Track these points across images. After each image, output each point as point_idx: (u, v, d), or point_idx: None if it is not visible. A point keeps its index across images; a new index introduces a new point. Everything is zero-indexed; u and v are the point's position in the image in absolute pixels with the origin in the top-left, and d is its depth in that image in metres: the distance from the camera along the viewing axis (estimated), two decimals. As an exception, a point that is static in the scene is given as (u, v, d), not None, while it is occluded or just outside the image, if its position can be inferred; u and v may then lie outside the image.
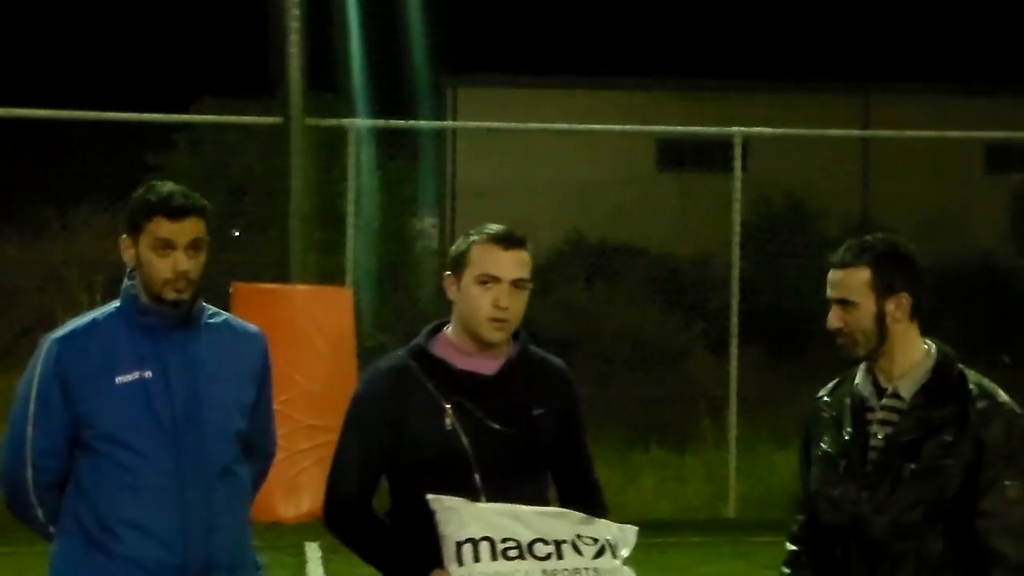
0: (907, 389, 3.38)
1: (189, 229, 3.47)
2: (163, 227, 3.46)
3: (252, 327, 3.72)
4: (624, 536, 3.33)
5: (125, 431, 3.44)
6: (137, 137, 13.55)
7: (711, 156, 18.49)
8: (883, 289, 3.36)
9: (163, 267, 3.46)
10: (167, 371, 3.48)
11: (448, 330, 3.48)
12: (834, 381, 3.57)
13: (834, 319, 3.39)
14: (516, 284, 3.40)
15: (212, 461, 3.49)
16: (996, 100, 25.00)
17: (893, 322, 3.37)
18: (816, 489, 3.47)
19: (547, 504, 3.41)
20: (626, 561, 3.34)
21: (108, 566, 3.43)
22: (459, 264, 3.43)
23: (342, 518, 3.45)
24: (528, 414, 3.41)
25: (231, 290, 10.02)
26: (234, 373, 3.58)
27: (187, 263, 3.47)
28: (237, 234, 15.39)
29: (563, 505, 3.48)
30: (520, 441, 3.38)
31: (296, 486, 9.73)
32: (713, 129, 12.08)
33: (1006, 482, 3.29)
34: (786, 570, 3.55)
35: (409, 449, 3.39)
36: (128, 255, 3.53)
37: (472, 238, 3.44)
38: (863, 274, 3.37)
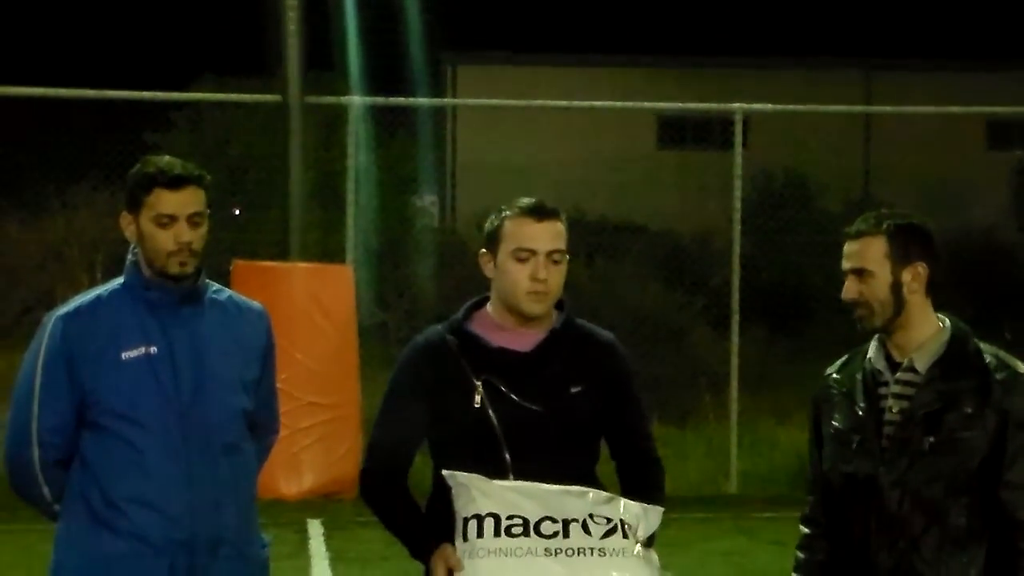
0: (923, 362, 3.35)
1: (190, 200, 3.46)
2: (164, 199, 3.44)
3: (256, 304, 3.71)
4: (646, 517, 3.30)
5: (131, 407, 3.43)
6: (136, 115, 13.53)
7: (712, 133, 18.48)
8: (900, 258, 3.35)
9: (166, 239, 3.45)
10: (173, 347, 3.47)
11: (489, 306, 3.46)
12: (843, 358, 3.53)
13: (850, 290, 3.37)
14: (552, 256, 3.37)
15: (218, 437, 3.49)
16: (997, 76, 24.94)
17: (910, 292, 3.35)
18: (830, 467, 3.43)
19: (589, 482, 3.35)
20: (649, 541, 3.31)
21: (114, 543, 3.42)
22: (494, 240, 3.40)
23: (378, 489, 3.44)
24: (565, 391, 3.36)
25: (231, 268, 10.03)
26: (239, 350, 3.58)
27: (190, 234, 3.45)
28: (237, 212, 15.38)
29: (620, 482, 3.45)
30: (553, 419, 3.33)
31: (298, 463, 9.75)
32: (714, 106, 12.05)
33: None
34: (800, 554, 3.52)
35: (441, 425, 3.39)
36: (130, 231, 3.52)
37: (505, 213, 3.40)
38: (879, 243, 3.36)
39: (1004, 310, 15.19)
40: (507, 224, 3.38)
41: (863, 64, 27.49)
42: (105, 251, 13.06)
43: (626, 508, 3.28)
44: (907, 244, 3.36)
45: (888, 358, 3.40)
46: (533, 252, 3.35)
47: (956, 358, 3.35)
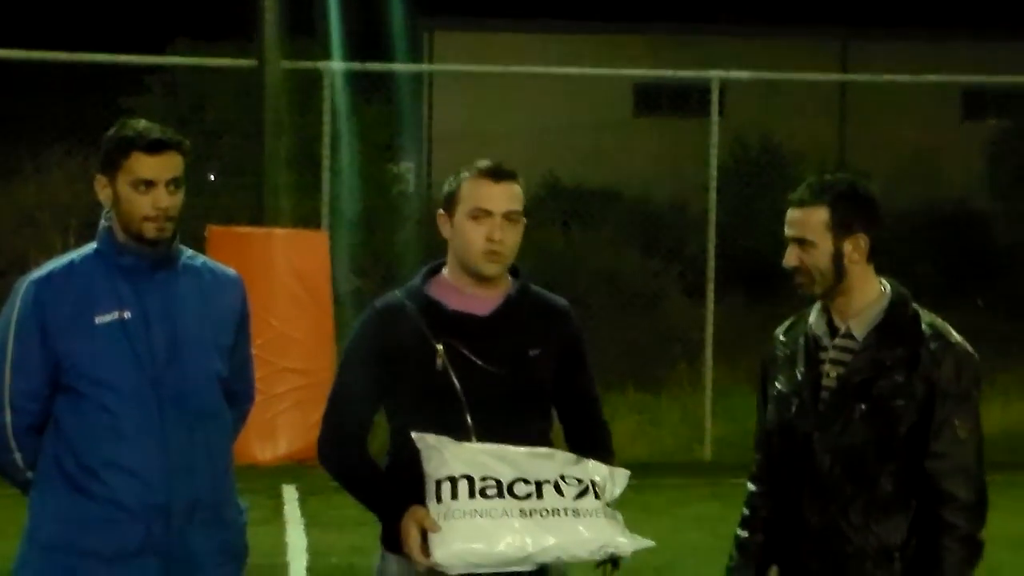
0: (860, 329, 3.39)
1: (168, 165, 3.44)
2: (142, 163, 3.42)
3: (231, 271, 3.70)
4: (613, 478, 3.33)
5: (106, 371, 3.42)
6: (111, 79, 13.42)
7: (688, 100, 18.44)
8: (841, 229, 3.37)
9: (143, 204, 3.43)
10: (147, 311, 3.46)
11: (445, 270, 3.49)
12: (790, 320, 3.58)
13: (791, 258, 3.42)
14: (508, 217, 3.40)
15: (194, 401, 3.48)
16: (973, 45, 24.98)
17: (850, 263, 3.38)
18: (771, 428, 3.50)
19: (546, 445, 3.39)
20: (614, 503, 3.35)
21: (90, 508, 3.42)
22: (451, 201, 3.44)
23: (336, 455, 3.46)
24: (523, 354, 3.40)
25: (206, 233, 10.00)
26: (214, 315, 3.57)
27: (168, 200, 3.44)
28: (212, 178, 15.31)
29: (569, 445, 3.48)
30: (513, 382, 3.37)
31: (272, 429, 9.77)
32: (690, 73, 12.03)
33: (956, 422, 3.30)
34: (746, 511, 3.58)
35: (402, 389, 3.40)
36: (104, 195, 3.49)
37: (463, 175, 3.45)
38: (821, 213, 3.38)
39: (977, 278, 15.30)
40: (464, 185, 3.42)
41: (839, 33, 27.48)
42: (79, 216, 12.97)
43: (595, 469, 3.32)
44: (849, 215, 3.38)
45: (829, 323, 3.44)
46: (489, 212, 3.38)
47: (893, 326, 3.38)
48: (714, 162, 10.93)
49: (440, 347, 3.36)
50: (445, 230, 3.46)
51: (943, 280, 14.28)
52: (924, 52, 23.44)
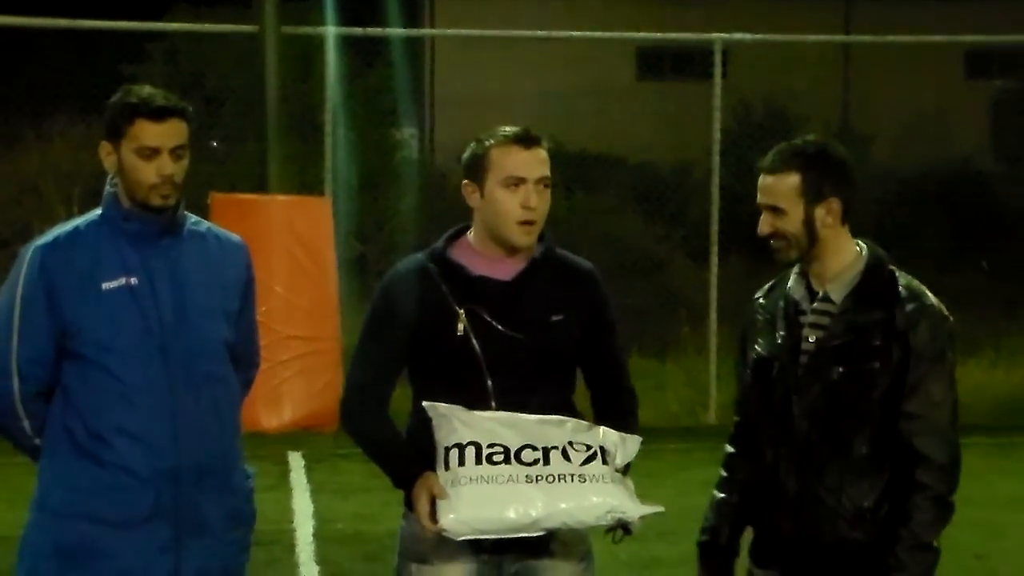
0: (837, 292, 3.40)
1: (173, 132, 3.43)
2: (146, 130, 3.41)
3: (236, 237, 3.69)
4: (624, 445, 3.34)
5: (113, 337, 3.42)
6: (111, 47, 13.39)
7: (691, 64, 18.37)
8: (812, 195, 3.36)
9: (148, 172, 3.41)
10: (153, 277, 3.46)
11: (470, 235, 3.46)
12: (769, 283, 3.59)
13: (764, 225, 3.42)
14: (540, 183, 3.38)
15: (201, 367, 3.48)
16: (977, 5, 24.84)
17: (823, 227, 3.38)
18: (749, 392, 3.51)
19: (568, 410, 3.39)
20: (626, 469, 3.35)
21: (99, 474, 3.42)
22: (479, 169, 3.39)
23: (357, 418, 3.45)
24: (545, 320, 3.38)
25: (209, 200, 9.99)
26: (220, 281, 3.57)
27: (172, 167, 3.42)
28: (215, 144, 15.29)
29: (594, 410, 3.48)
30: (535, 347, 3.36)
31: (278, 396, 9.79)
32: (693, 36, 11.99)
33: (931, 384, 3.31)
34: (724, 472, 3.60)
35: (423, 353, 3.40)
36: (109, 162, 3.48)
37: (488, 142, 3.39)
38: (792, 180, 3.37)
39: (981, 240, 15.26)
40: (493, 152, 3.37)
41: (843, -6, 27.33)
42: (82, 184, 12.96)
43: (605, 435, 3.33)
44: (820, 180, 3.37)
45: (808, 287, 3.45)
46: (523, 180, 3.35)
47: (869, 288, 3.38)
48: (717, 126, 10.90)
49: (462, 312, 3.34)
50: (473, 200, 3.40)
51: (948, 242, 14.25)
52: (927, 12, 23.33)
